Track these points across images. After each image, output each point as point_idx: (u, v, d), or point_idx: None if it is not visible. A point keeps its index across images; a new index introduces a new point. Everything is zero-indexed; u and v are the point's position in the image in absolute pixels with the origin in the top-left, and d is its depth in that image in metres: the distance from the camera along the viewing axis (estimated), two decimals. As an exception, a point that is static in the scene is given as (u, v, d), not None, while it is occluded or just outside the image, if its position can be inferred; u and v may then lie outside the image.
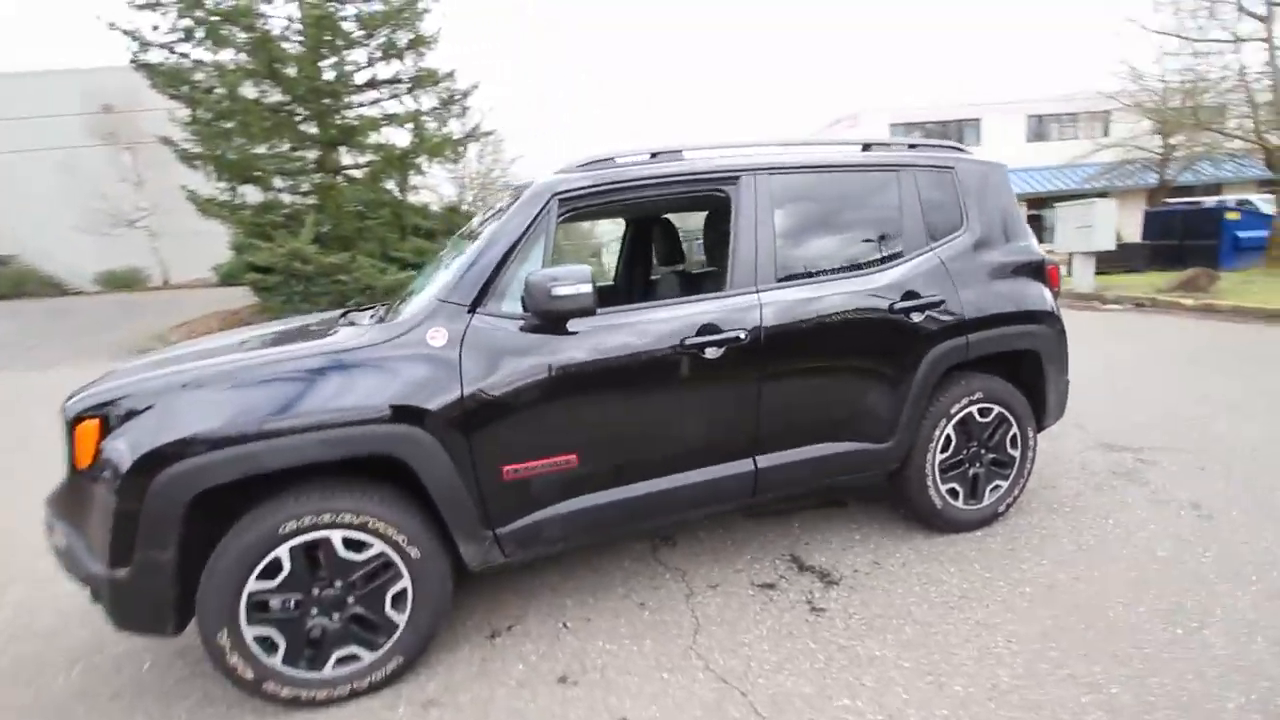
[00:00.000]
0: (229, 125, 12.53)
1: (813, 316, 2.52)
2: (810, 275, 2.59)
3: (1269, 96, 11.46)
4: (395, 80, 13.46)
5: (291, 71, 12.49)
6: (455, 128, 13.91)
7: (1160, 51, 20.87)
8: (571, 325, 2.22)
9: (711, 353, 2.37)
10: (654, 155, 2.52)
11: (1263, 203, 15.49)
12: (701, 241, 2.97)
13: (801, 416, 2.59)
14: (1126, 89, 16.84)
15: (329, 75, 12.81)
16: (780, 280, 2.53)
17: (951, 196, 2.88)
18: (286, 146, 13.14)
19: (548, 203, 2.31)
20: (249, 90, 12.66)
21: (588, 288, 2.09)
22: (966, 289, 2.79)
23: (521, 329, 2.19)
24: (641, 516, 2.41)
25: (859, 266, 2.68)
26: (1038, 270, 2.99)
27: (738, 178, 2.54)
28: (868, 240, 2.74)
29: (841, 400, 2.64)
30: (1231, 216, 12.11)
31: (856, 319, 2.60)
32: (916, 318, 2.68)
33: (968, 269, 2.82)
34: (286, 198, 13.32)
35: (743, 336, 2.40)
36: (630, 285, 3.88)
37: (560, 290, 2.07)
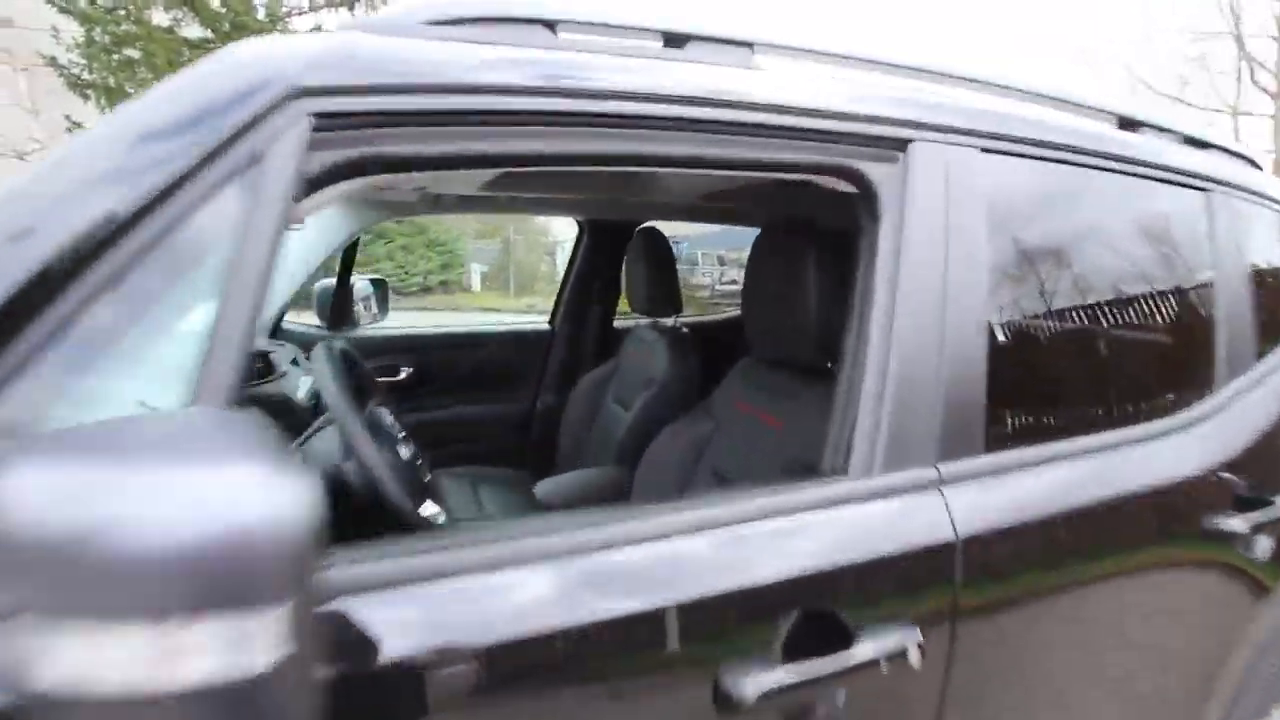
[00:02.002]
0: (132, 54, 10.25)
1: (1058, 550, 0.87)
2: (1046, 429, 0.93)
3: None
4: (342, 31, 11.30)
5: (215, 2, 10.30)
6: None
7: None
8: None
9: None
10: (670, 41, 0.81)
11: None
12: (741, 289, 1.30)
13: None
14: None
15: (261, 15, 10.65)
16: (993, 446, 0.85)
17: (1283, 260, 1.27)
18: (203, 89, 10.84)
19: (261, 118, 0.56)
20: (160, 17, 10.40)
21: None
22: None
23: None
24: None
25: (1138, 409, 1.03)
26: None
27: (905, 145, 0.85)
28: (1153, 344, 1.10)
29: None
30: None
31: (1136, 550, 0.96)
32: (1255, 547, 1.05)
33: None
34: (197, 148, 10.96)
35: (913, 655, 0.72)
36: (577, 339, 2.15)
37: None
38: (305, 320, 1.99)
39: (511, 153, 0.68)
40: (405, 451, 0.96)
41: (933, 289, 0.82)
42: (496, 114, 0.66)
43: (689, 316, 2.50)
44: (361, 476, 0.82)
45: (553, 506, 1.46)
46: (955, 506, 0.79)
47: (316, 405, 1.26)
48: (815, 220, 1.10)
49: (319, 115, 0.58)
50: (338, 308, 1.93)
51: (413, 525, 0.85)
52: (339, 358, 0.96)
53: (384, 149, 0.62)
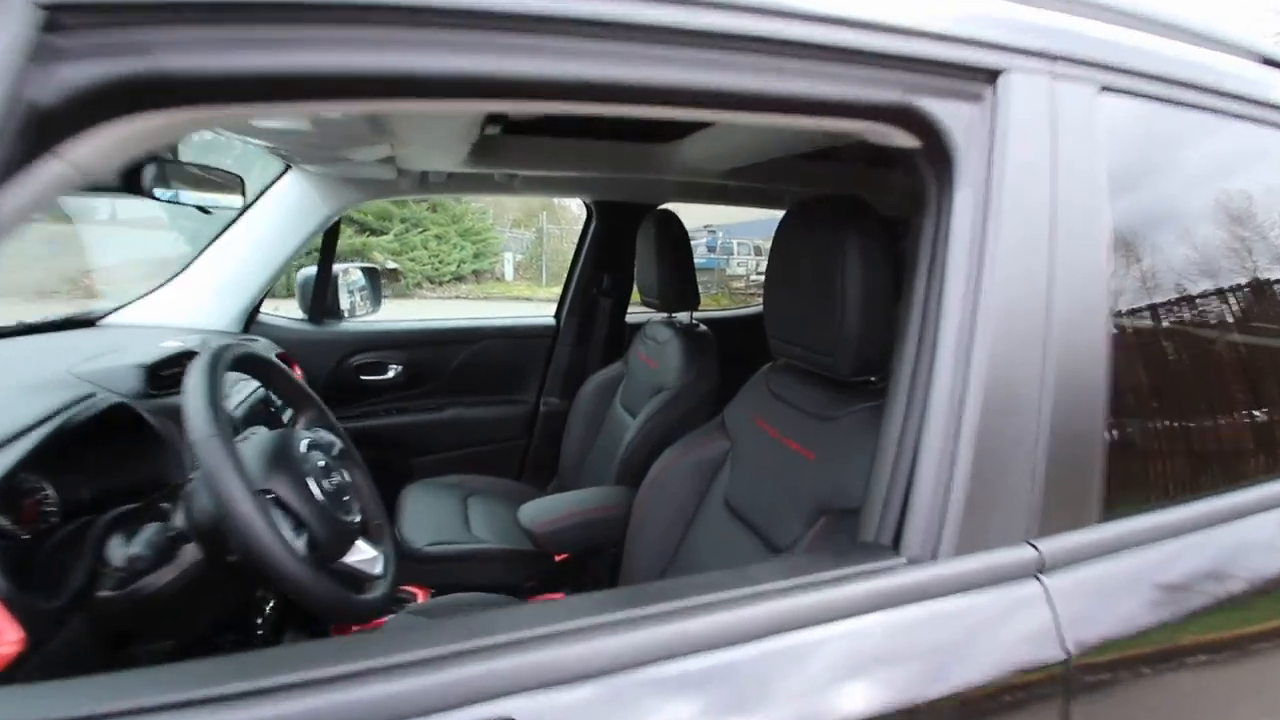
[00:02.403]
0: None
1: (1221, 664, 0.61)
2: (1196, 482, 0.66)
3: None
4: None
5: None
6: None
7: None
8: None
9: None
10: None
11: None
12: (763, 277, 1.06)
13: None
14: None
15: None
16: (1118, 509, 0.59)
17: None
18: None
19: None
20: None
21: None
22: None
23: None
24: None
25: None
26: None
27: (994, 77, 0.59)
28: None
29: None
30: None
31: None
32: None
33: None
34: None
35: None
36: (585, 335, 1.93)
37: None
38: (287, 312, 1.81)
39: (400, 73, 0.45)
40: (321, 487, 0.75)
41: (1033, 284, 0.56)
42: (379, 10, 0.43)
43: (708, 311, 2.26)
44: (241, 535, 0.61)
45: (535, 536, 1.24)
46: (1063, 605, 0.54)
47: (251, 419, 1.06)
48: (860, 190, 0.85)
49: (57, 6, 0.36)
50: (319, 298, 1.75)
51: (314, 596, 0.64)
52: (229, 366, 0.75)
53: (181, 64, 0.39)
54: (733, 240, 11.61)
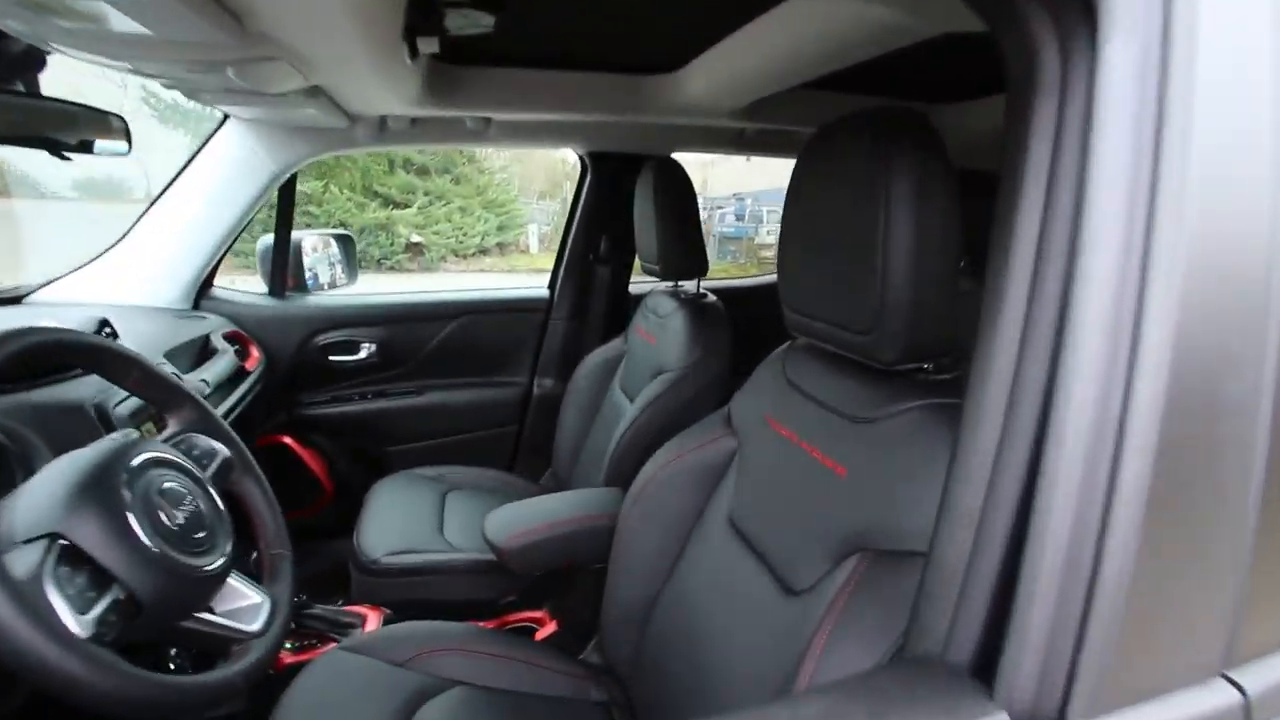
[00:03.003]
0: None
1: None
2: None
3: None
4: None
5: None
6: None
7: None
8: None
9: None
10: None
11: None
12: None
13: None
14: None
15: None
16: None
17: None
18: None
19: None
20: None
21: None
22: None
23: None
24: None
25: None
26: None
27: None
28: None
29: None
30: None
31: None
32: None
33: None
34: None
35: None
36: (581, 307, 1.70)
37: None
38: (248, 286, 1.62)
39: None
40: (155, 522, 0.54)
41: (1250, 212, 0.31)
42: None
43: (719, 280, 2.01)
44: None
45: (503, 553, 1.03)
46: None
47: (140, 414, 0.87)
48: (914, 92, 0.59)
49: None
50: (279, 269, 1.55)
51: (88, 690, 0.44)
52: (5, 364, 0.54)
53: None
54: (762, 208, 11.19)
